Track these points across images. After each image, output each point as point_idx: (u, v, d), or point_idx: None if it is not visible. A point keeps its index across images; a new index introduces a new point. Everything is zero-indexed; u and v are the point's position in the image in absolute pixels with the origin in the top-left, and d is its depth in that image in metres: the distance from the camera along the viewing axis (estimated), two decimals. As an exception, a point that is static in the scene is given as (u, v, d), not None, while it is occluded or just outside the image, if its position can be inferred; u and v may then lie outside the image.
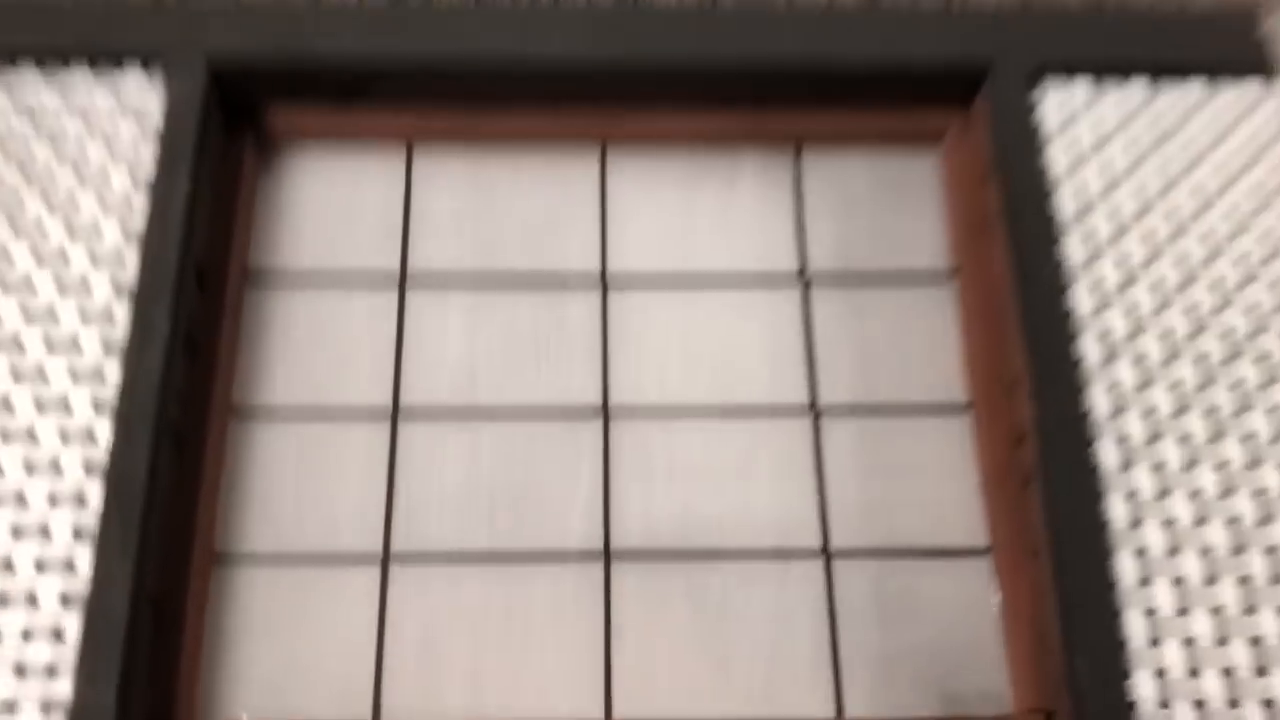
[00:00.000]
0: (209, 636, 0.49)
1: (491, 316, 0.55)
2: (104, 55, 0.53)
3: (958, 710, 0.49)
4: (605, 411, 0.53)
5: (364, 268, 0.55)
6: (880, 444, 0.53)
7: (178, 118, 0.52)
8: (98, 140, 0.52)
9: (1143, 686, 0.45)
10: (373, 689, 0.49)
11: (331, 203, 0.57)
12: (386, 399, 0.53)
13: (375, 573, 0.50)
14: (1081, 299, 0.51)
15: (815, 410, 0.54)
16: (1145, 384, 0.49)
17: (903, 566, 0.51)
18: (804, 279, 0.56)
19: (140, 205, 0.51)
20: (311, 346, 0.54)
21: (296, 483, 0.52)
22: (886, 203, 0.57)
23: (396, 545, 0.51)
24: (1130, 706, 0.45)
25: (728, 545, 0.51)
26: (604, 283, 0.56)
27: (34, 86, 0.53)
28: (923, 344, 0.55)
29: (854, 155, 0.58)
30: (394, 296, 0.55)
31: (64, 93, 0.53)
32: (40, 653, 0.44)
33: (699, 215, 0.57)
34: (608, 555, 0.51)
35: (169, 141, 0.52)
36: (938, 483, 0.52)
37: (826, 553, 0.51)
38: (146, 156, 0.52)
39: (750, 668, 0.49)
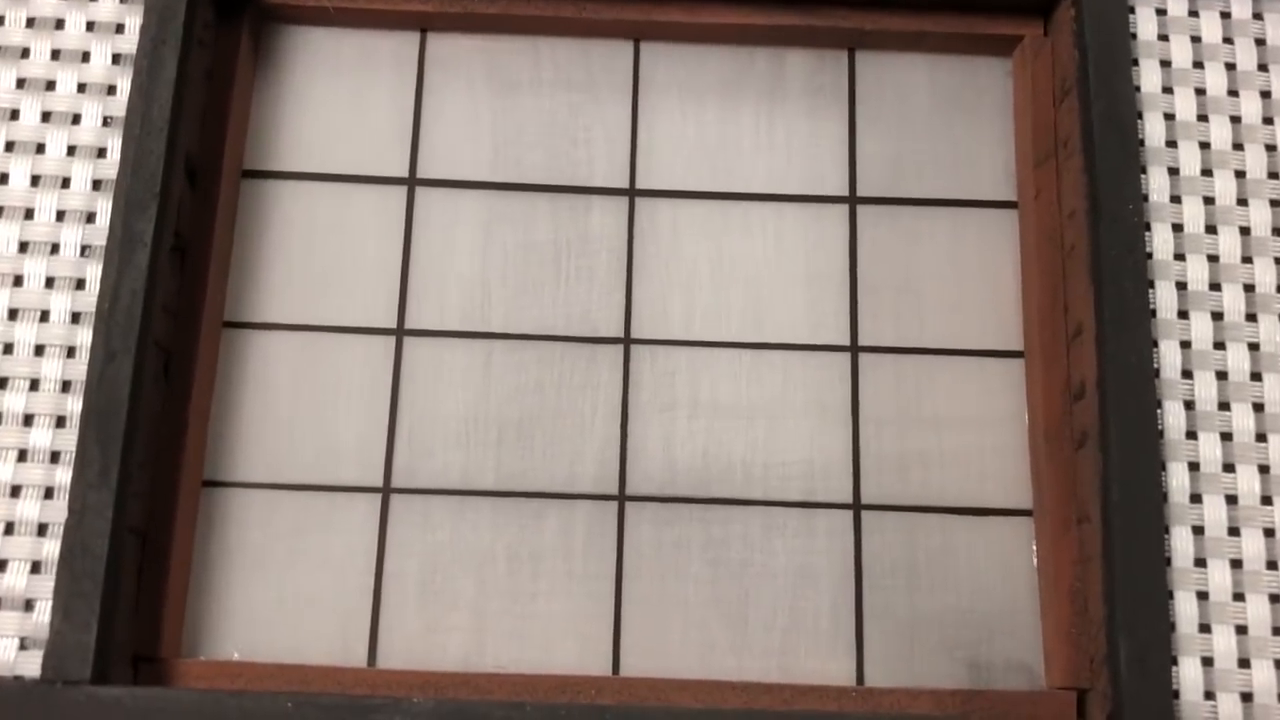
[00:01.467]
0: (196, 571, 0.46)
1: (507, 227, 0.50)
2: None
3: (984, 681, 0.46)
4: (626, 338, 0.49)
5: (369, 169, 0.51)
6: (923, 389, 0.49)
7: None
8: (76, 14, 0.47)
9: (1188, 673, 0.42)
10: (369, 633, 0.46)
11: (335, 95, 0.51)
12: (391, 317, 0.49)
13: (375, 505, 0.47)
14: (1161, 241, 0.46)
15: (855, 348, 0.49)
16: (1221, 343, 0.45)
17: (937, 524, 0.48)
18: (852, 200, 0.51)
19: (124, 90, 0.46)
20: (310, 255, 0.50)
21: (292, 405, 0.48)
22: (949, 118, 0.52)
23: (398, 478, 0.48)
24: (1173, 694, 0.42)
25: (751, 494, 0.48)
26: (631, 194, 0.51)
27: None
28: (977, 281, 0.50)
29: (915, 61, 0.52)
30: (402, 201, 0.50)
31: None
32: (16, 585, 0.42)
33: (740, 123, 0.52)
34: (622, 498, 0.48)
35: (154, 18, 0.46)
36: (982, 436, 0.49)
37: (857, 506, 0.48)
38: (131, 36, 0.47)
39: (768, 627, 0.47)
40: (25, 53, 0.47)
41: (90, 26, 0.47)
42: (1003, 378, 0.49)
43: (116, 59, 0.47)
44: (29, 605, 0.42)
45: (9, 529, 0.42)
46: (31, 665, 0.41)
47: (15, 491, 0.43)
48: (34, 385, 0.44)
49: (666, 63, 0.52)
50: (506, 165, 0.51)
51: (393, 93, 0.51)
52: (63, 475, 0.43)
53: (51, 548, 0.42)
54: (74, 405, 0.43)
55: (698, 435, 0.48)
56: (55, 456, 0.43)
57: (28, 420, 0.43)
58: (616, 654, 0.46)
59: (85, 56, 0.47)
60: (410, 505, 0.47)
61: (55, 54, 0.47)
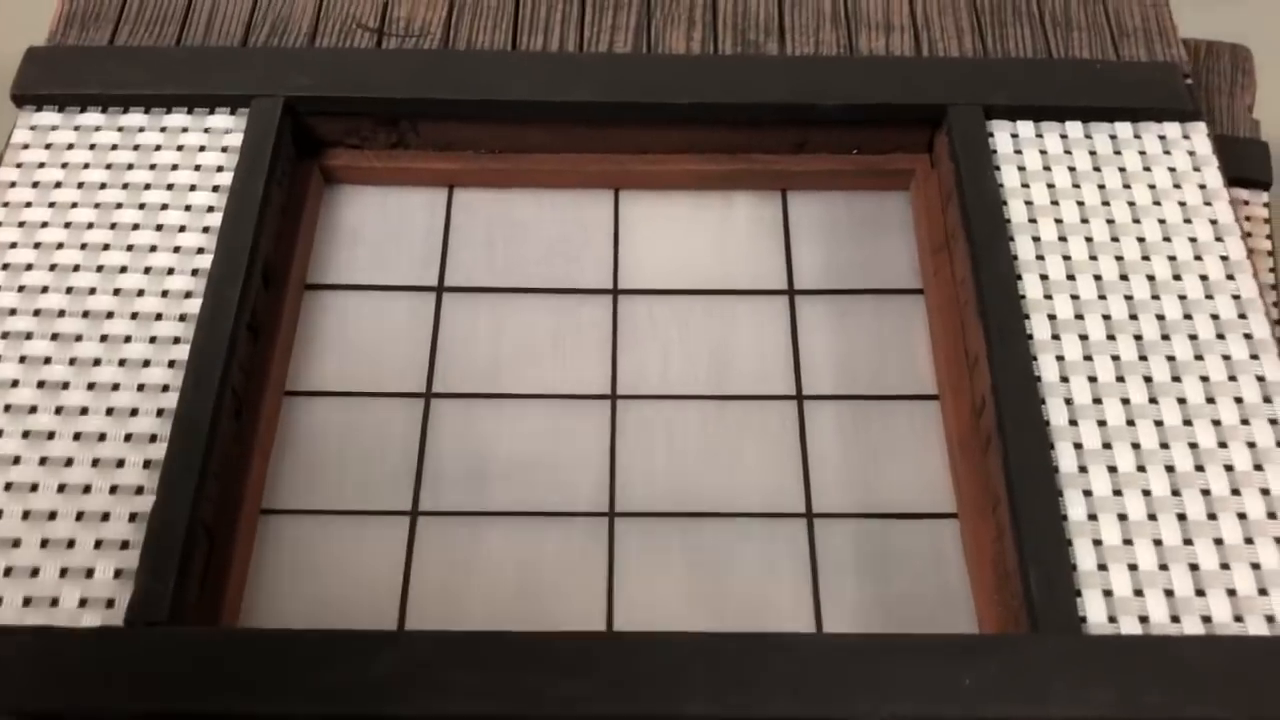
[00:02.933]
0: (252, 571, 0.55)
1: (515, 319, 0.63)
2: (199, 98, 0.63)
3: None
4: (614, 395, 0.60)
5: (406, 282, 0.64)
6: (858, 427, 0.59)
7: (256, 144, 0.61)
8: (189, 166, 0.62)
9: (1092, 604, 0.50)
10: (398, 620, 0.54)
11: (381, 232, 0.65)
12: (422, 383, 0.60)
13: (405, 527, 0.56)
14: (1031, 287, 0.58)
15: (800, 397, 0.60)
16: (1088, 356, 0.56)
17: (878, 528, 0.57)
18: (790, 292, 0.63)
19: (218, 217, 0.60)
20: (358, 343, 0.62)
21: (339, 453, 0.58)
22: (864, 235, 0.66)
23: (424, 504, 0.57)
24: (1081, 620, 0.49)
25: (720, 509, 0.57)
26: (615, 292, 0.63)
27: (140, 124, 0.63)
28: (896, 346, 0.62)
29: (835, 196, 0.67)
30: (432, 302, 0.63)
31: (165, 129, 0.63)
32: (109, 560, 0.51)
33: (698, 244, 0.65)
34: (612, 514, 0.57)
35: (246, 161, 0.61)
36: (910, 459, 0.58)
37: (809, 515, 0.57)
38: (226, 178, 0.61)
39: (740, 609, 0.54)
40: (148, 186, 0.61)
41: (197, 168, 0.62)
42: (923, 414, 0.59)
43: (216, 189, 0.61)
44: (118, 574, 0.50)
45: (105, 517, 0.52)
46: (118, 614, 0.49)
47: (114, 490, 0.52)
48: (134, 412, 0.54)
49: (640, 203, 0.67)
50: (514, 277, 0.64)
51: (426, 229, 0.65)
52: (149, 479, 0.52)
53: (138, 534, 0.51)
54: (166, 428, 0.54)
55: (673, 467, 0.58)
56: (148, 464, 0.53)
57: (128, 437, 0.54)
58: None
59: (193, 187, 0.61)
60: (433, 525, 0.56)
61: (170, 186, 0.61)
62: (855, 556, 0.56)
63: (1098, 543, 0.51)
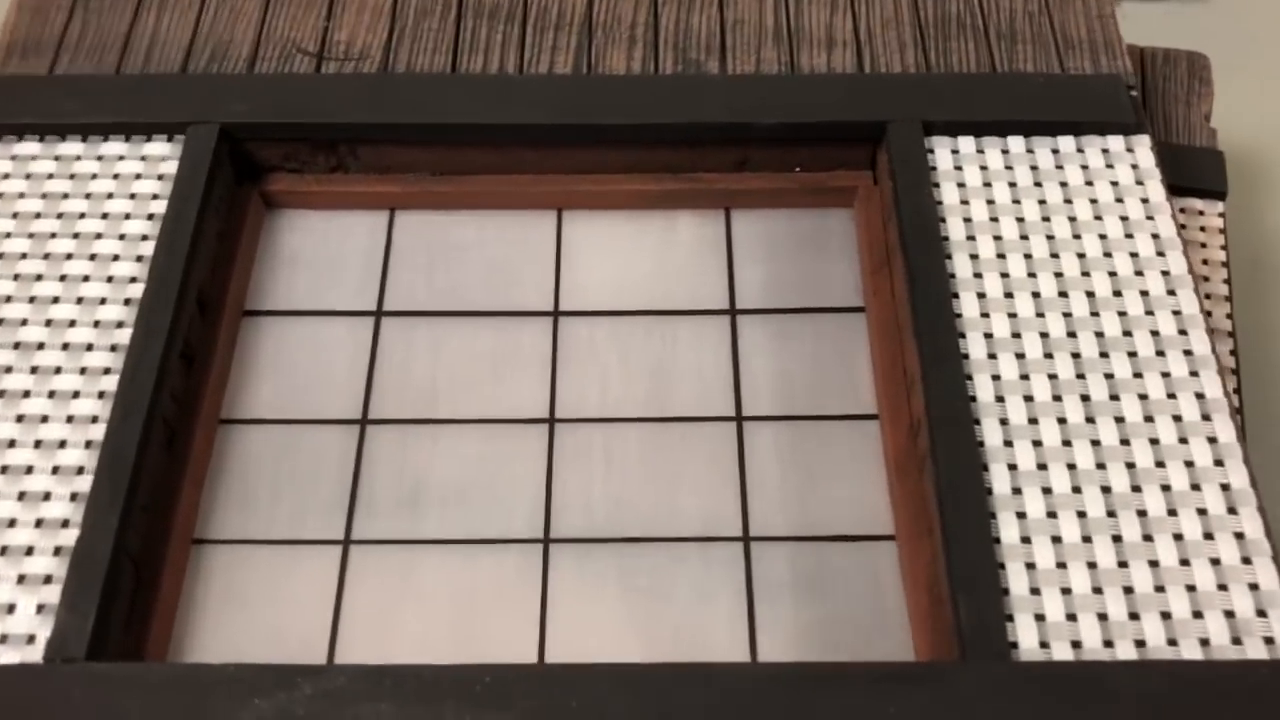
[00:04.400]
0: (181, 601, 0.54)
1: (454, 343, 0.62)
2: (136, 125, 0.63)
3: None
4: (551, 419, 0.60)
5: (345, 307, 0.63)
6: (798, 448, 0.59)
7: (190, 171, 0.61)
8: (124, 194, 0.61)
9: (1024, 630, 0.49)
10: (327, 649, 0.53)
11: (321, 256, 0.65)
12: (358, 409, 0.60)
13: (336, 556, 0.56)
14: (968, 306, 0.57)
15: (740, 418, 0.60)
16: (1024, 376, 0.55)
17: (815, 551, 0.56)
18: (732, 303, 0.63)
19: (152, 245, 0.60)
20: (295, 369, 0.61)
21: (273, 481, 0.58)
22: (807, 254, 0.65)
23: (357, 532, 0.57)
24: (1013, 646, 0.49)
25: (657, 533, 0.56)
26: (556, 314, 0.63)
27: (77, 153, 0.63)
28: (836, 366, 0.61)
29: (778, 214, 0.66)
30: (370, 326, 0.63)
31: (101, 157, 0.63)
32: (32, 595, 0.50)
33: (641, 264, 0.65)
34: (547, 540, 0.56)
35: (180, 189, 0.61)
36: (849, 481, 0.58)
37: (746, 538, 0.56)
38: (161, 206, 0.61)
39: (674, 636, 0.54)
40: (82, 215, 0.61)
41: (133, 196, 0.61)
42: (862, 436, 0.59)
43: (151, 217, 0.61)
44: (41, 609, 0.50)
45: (29, 551, 0.51)
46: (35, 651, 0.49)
47: (40, 524, 0.52)
48: (62, 444, 0.54)
49: (582, 224, 0.66)
50: (454, 300, 0.64)
51: (366, 253, 0.65)
52: (74, 512, 0.52)
53: (61, 569, 0.51)
54: (94, 460, 0.53)
55: (611, 491, 0.58)
56: (74, 496, 0.53)
57: (55, 470, 0.53)
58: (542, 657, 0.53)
59: (128, 215, 0.61)
60: (366, 553, 0.56)
61: (104, 215, 0.61)
62: (792, 580, 0.55)
63: (1030, 566, 0.51)
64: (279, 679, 0.47)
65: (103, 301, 0.58)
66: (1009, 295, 0.58)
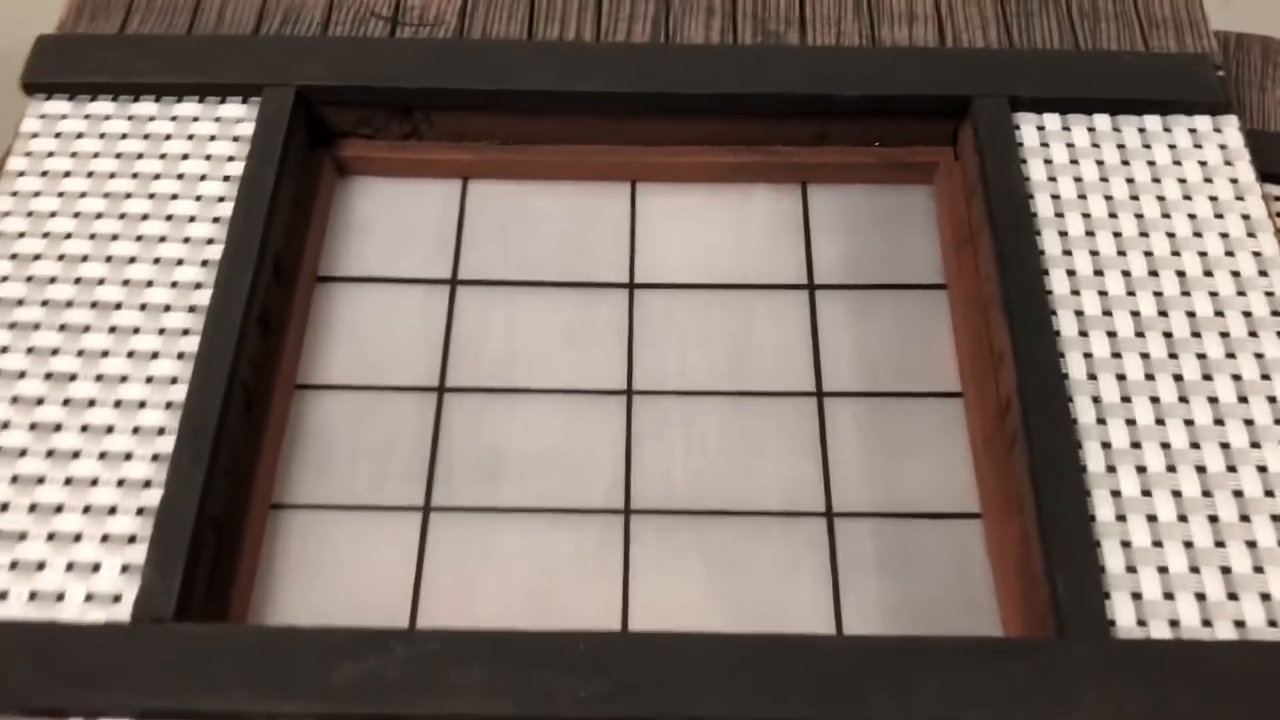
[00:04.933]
0: (262, 565, 0.54)
1: (530, 314, 0.61)
2: (210, 86, 0.62)
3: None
4: (629, 391, 0.59)
5: (419, 275, 0.63)
6: (880, 425, 0.58)
7: (267, 134, 0.60)
8: (199, 155, 0.61)
9: (1121, 608, 0.48)
10: (409, 615, 0.53)
11: (394, 223, 0.64)
12: (435, 376, 0.59)
13: (417, 522, 0.55)
14: (1058, 283, 0.56)
15: (820, 393, 0.59)
16: (1116, 354, 0.55)
17: (899, 528, 0.55)
18: (810, 278, 0.62)
19: (229, 207, 0.59)
20: (371, 336, 0.61)
21: (350, 447, 0.57)
22: (886, 229, 0.64)
23: (437, 500, 0.56)
24: (1110, 624, 0.48)
25: (737, 507, 0.56)
26: (631, 286, 0.62)
27: (151, 113, 0.62)
28: (918, 342, 0.60)
29: (856, 189, 0.65)
30: (445, 295, 0.62)
31: (175, 118, 0.62)
32: (116, 555, 0.50)
33: (716, 238, 0.64)
34: (628, 511, 0.56)
35: (257, 151, 0.60)
36: (932, 458, 0.57)
37: (829, 514, 0.56)
38: (238, 168, 0.60)
39: (758, 610, 0.53)
40: (158, 175, 0.60)
41: (208, 158, 0.61)
42: (945, 413, 0.58)
43: (227, 179, 0.60)
44: (125, 569, 0.49)
45: (112, 510, 0.51)
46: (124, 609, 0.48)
47: (121, 483, 0.51)
48: (142, 405, 0.53)
49: (657, 196, 0.65)
50: (528, 271, 0.63)
51: (439, 221, 0.64)
52: (156, 472, 0.52)
53: (146, 528, 0.50)
54: (175, 421, 0.53)
55: (691, 464, 0.57)
56: (155, 457, 0.52)
57: (135, 430, 0.53)
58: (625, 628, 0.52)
59: (203, 177, 0.60)
60: (447, 520, 0.55)
61: (180, 176, 0.60)
62: (876, 556, 0.55)
63: (1126, 544, 0.50)
64: (370, 642, 0.47)
65: (180, 263, 0.57)
66: (1099, 273, 0.57)
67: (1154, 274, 0.57)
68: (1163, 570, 0.49)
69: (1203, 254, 0.58)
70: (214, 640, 0.47)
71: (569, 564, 0.54)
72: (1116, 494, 0.51)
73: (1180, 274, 0.57)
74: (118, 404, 0.53)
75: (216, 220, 0.59)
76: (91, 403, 0.53)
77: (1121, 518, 0.51)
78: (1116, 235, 0.58)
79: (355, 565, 0.54)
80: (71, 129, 0.62)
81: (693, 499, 0.56)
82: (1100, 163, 0.60)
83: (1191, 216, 0.59)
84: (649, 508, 0.56)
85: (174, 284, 0.57)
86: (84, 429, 0.53)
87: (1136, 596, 0.49)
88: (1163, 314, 0.56)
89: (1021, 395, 0.53)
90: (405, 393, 0.59)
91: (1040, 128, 0.61)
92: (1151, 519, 0.51)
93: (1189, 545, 0.50)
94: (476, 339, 0.61)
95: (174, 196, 0.60)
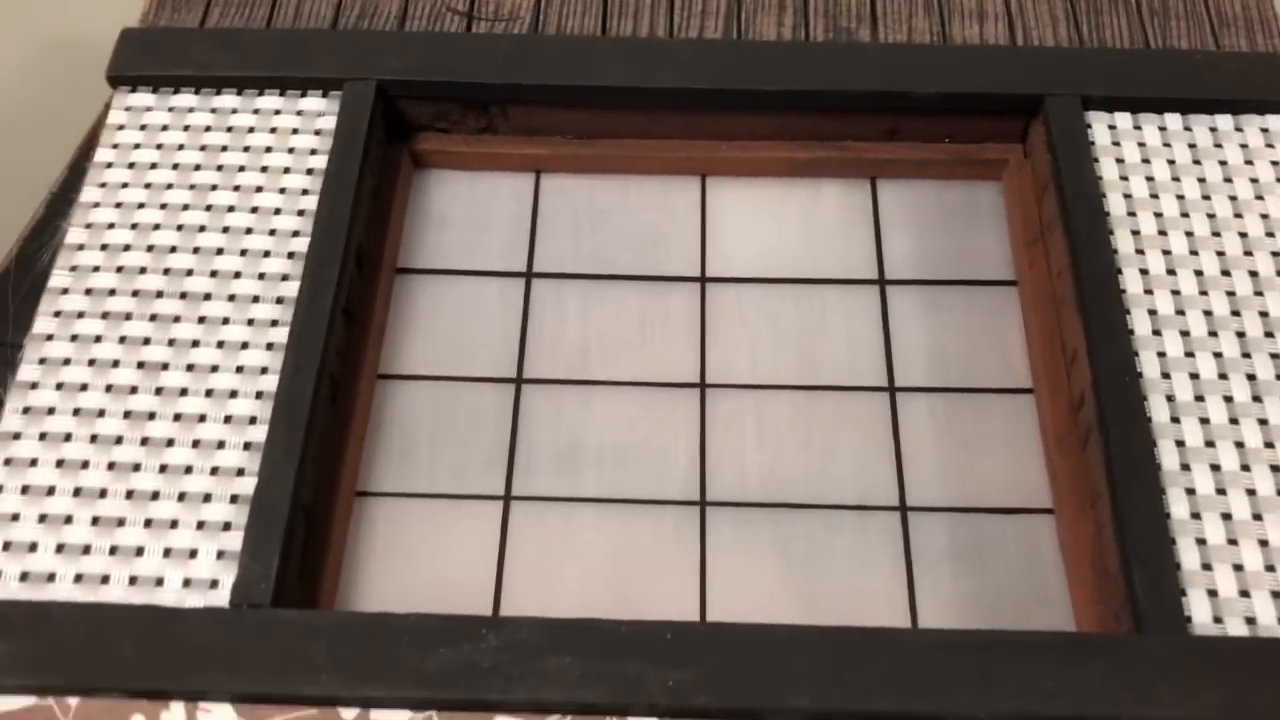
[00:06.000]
0: (351, 553, 0.55)
1: (604, 306, 0.62)
2: (291, 80, 0.63)
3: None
4: (703, 384, 0.60)
5: (495, 267, 0.64)
6: (952, 420, 0.59)
7: (349, 128, 0.62)
8: (282, 149, 0.62)
9: (1197, 605, 0.49)
10: (491, 602, 0.54)
11: (470, 216, 0.65)
12: (512, 367, 0.60)
13: (498, 511, 0.57)
14: (1131, 282, 0.57)
15: (892, 388, 0.60)
16: (1189, 353, 0.55)
17: (973, 522, 0.56)
18: (881, 273, 0.63)
19: (313, 200, 0.60)
20: (449, 327, 0.62)
21: (431, 437, 0.59)
22: (955, 225, 0.65)
23: (517, 489, 0.57)
24: (1187, 620, 0.49)
25: (811, 500, 0.57)
26: (703, 280, 0.63)
27: (233, 106, 0.63)
28: (988, 339, 0.61)
29: (925, 186, 0.66)
30: (521, 287, 0.63)
31: (257, 110, 0.63)
32: (212, 541, 0.51)
33: (787, 232, 0.65)
34: (704, 503, 0.57)
35: (340, 145, 0.61)
36: (1004, 453, 0.58)
37: (903, 508, 0.57)
38: (320, 161, 0.61)
39: (833, 602, 0.54)
40: (242, 168, 0.61)
41: (291, 151, 0.62)
42: (1017, 408, 0.59)
43: (310, 172, 0.61)
44: (221, 555, 0.51)
45: (207, 498, 0.52)
46: (221, 595, 0.49)
47: (214, 471, 0.53)
48: (233, 394, 0.55)
49: (727, 190, 0.66)
50: (602, 264, 0.64)
51: (513, 215, 0.65)
52: (249, 461, 0.53)
53: (240, 517, 0.51)
54: (265, 410, 0.54)
55: (764, 458, 0.58)
56: (248, 445, 0.53)
57: (228, 419, 0.54)
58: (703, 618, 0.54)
59: (287, 170, 0.61)
60: (527, 510, 0.57)
61: (264, 169, 0.61)
62: (950, 550, 0.55)
63: (1201, 542, 0.51)
64: (463, 630, 0.48)
65: (266, 254, 0.59)
66: (1171, 272, 0.58)
67: (1226, 274, 0.58)
68: (1238, 568, 0.50)
69: (1275, 254, 0.58)
70: (310, 626, 0.48)
71: (647, 553, 0.56)
72: (1191, 492, 0.52)
73: (1253, 274, 0.58)
74: (209, 393, 0.55)
75: (301, 213, 0.60)
76: (184, 391, 0.55)
77: (1196, 515, 0.51)
78: (1189, 234, 0.59)
79: (438, 552, 0.56)
80: (156, 121, 0.63)
81: (767, 492, 0.57)
82: (1171, 162, 0.61)
83: (1264, 216, 0.59)
84: (723, 500, 0.57)
85: (261, 275, 0.58)
86: (177, 418, 0.54)
87: (1212, 594, 0.50)
88: (1235, 314, 0.56)
89: (1096, 392, 0.54)
90: (484, 383, 0.60)
91: (1112, 127, 0.62)
92: (1226, 517, 0.51)
93: (1264, 543, 0.51)
94: (552, 331, 0.62)
95: (258, 189, 0.61)
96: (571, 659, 0.47)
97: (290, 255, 0.59)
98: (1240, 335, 0.56)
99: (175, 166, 0.61)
